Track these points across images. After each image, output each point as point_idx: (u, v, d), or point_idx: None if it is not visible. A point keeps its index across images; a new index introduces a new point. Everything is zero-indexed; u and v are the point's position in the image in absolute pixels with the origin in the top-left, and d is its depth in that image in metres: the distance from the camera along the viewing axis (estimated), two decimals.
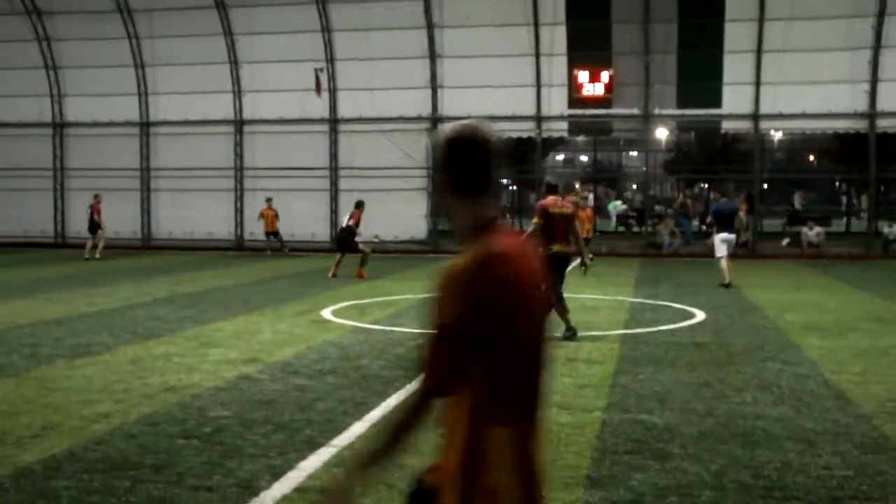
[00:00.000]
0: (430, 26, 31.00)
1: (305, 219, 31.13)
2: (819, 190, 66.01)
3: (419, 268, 24.22)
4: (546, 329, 2.88)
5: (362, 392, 8.59)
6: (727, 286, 18.78)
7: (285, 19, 31.54)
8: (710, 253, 20.97)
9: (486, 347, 2.66)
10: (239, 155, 33.19)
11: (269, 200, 30.14)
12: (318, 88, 32.02)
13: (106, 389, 8.62)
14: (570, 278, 20.92)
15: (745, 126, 31.19)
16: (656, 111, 30.81)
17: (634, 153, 72.30)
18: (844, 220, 50.85)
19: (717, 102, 30.11)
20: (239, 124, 33.10)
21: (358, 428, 7.20)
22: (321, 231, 32.00)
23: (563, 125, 32.75)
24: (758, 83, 29.56)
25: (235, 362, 10.10)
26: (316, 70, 31.87)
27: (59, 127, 34.65)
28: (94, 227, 27.79)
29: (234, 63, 32.55)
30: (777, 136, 46.42)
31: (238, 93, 32.84)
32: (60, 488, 5.69)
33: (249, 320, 13.69)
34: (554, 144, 55.28)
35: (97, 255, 27.23)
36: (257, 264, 25.63)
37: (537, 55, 30.63)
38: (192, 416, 7.55)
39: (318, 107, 32.26)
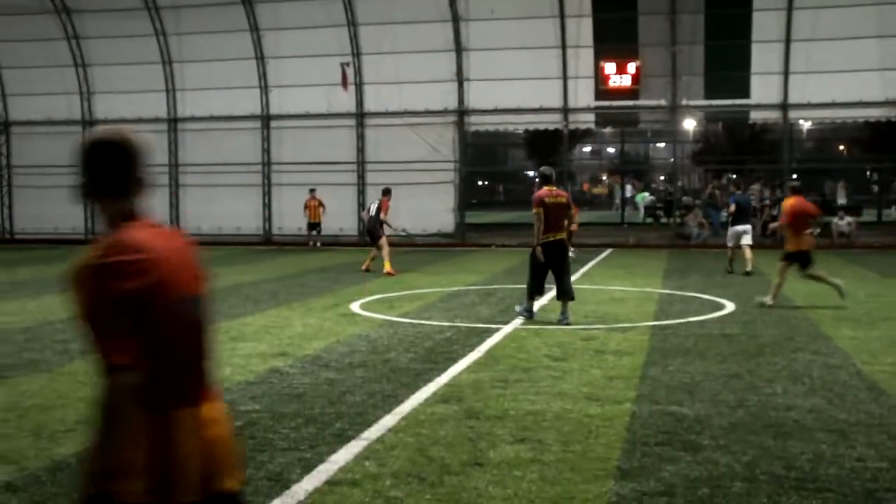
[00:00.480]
0: (456, 19, 30.96)
1: (333, 213, 31.18)
2: (849, 179, 65.34)
3: (447, 261, 24.24)
4: (205, 312, 3.01)
5: (391, 385, 8.61)
6: (749, 273, 19.30)
7: (311, 14, 31.60)
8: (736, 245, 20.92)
9: (130, 331, 2.74)
10: (266, 150, 33.32)
11: (312, 191, 30.14)
12: (344, 83, 32.09)
13: None
14: (600, 270, 20.91)
15: (773, 116, 30.94)
16: (684, 102, 30.64)
17: (661, 144, 71.92)
18: (875, 209, 50.33)
19: (745, 92, 29.90)
20: (266, 119, 33.22)
21: (388, 421, 7.22)
22: (349, 225, 32.08)
23: (590, 117, 32.62)
24: (786, 72, 29.32)
25: (265, 356, 10.15)
26: (342, 64, 31.94)
27: (88, 124, 34.87)
28: None
29: (261, 58, 32.66)
30: (806, 125, 45.98)
31: (264, 88, 32.96)
32: None
33: (278, 314, 13.75)
34: (581, 136, 55.15)
35: None
36: (285, 259, 25.73)
37: (563, 47, 30.53)
38: None
39: (344, 101, 32.32)
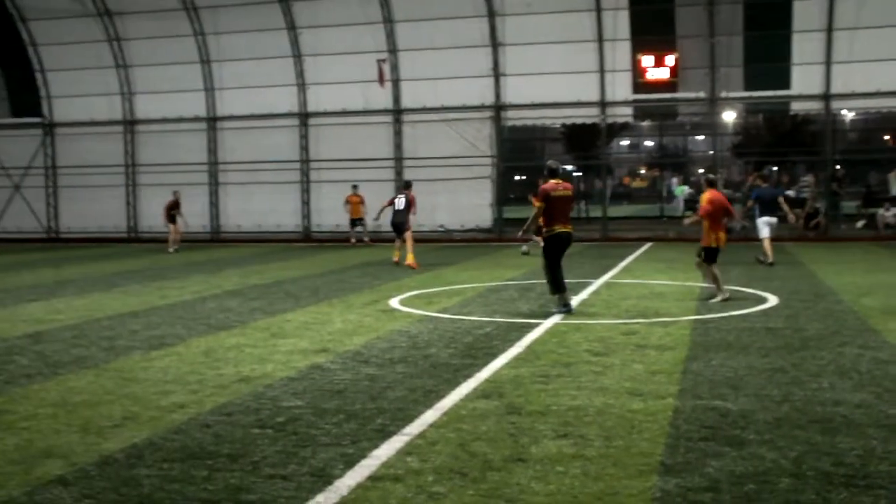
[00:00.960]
0: (492, 14, 30.92)
1: (371, 209, 31.24)
2: None
3: (485, 256, 24.22)
4: None
5: (432, 380, 8.61)
6: (770, 264, 19.81)
7: (347, 11, 31.71)
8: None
9: None
10: (304, 147, 33.48)
11: (354, 187, 30.24)
12: (381, 79, 32.16)
13: (181, 380, 8.76)
14: (640, 264, 20.80)
15: (815, 107, 30.60)
16: (723, 94, 30.39)
17: (700, 137, 71.30)
18: None
19: (785, 83, 29.61)
20: (304, 117, 33.38)
21: (429, 416, 7.22)
22: (388, 221, 32.10)
23: (628, 110, 32.45)
24: (828, 62, 28.98)
25: (306, 352, 10.20)
26: (378, 61, 32.01)
27: (130, 124, 35.27)
28: (173, 219, 28.71)
29: (298, 56, 32.82)
30: (850, 115, 45.33)
31: (302, 86, 33.11)
32: (142, 476, 5.80)
33: (319, 311, 13.81)
34: (618, 130, 54.78)
35: (171, 248, 28.09)
36: (325, 255, 25.85)
37: (600, 41, 30.39)
38: (265, 406, 7.63)
39: (381, 98, 32.40)
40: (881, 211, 31.15)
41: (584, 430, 6.80)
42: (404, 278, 18.71)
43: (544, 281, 13.51)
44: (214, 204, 34.49)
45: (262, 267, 22.22)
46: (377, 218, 24.06)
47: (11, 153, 36.51)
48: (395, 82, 32.33)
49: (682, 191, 53.96)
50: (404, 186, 22.26)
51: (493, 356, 9.80)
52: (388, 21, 31.73)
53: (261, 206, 33.63)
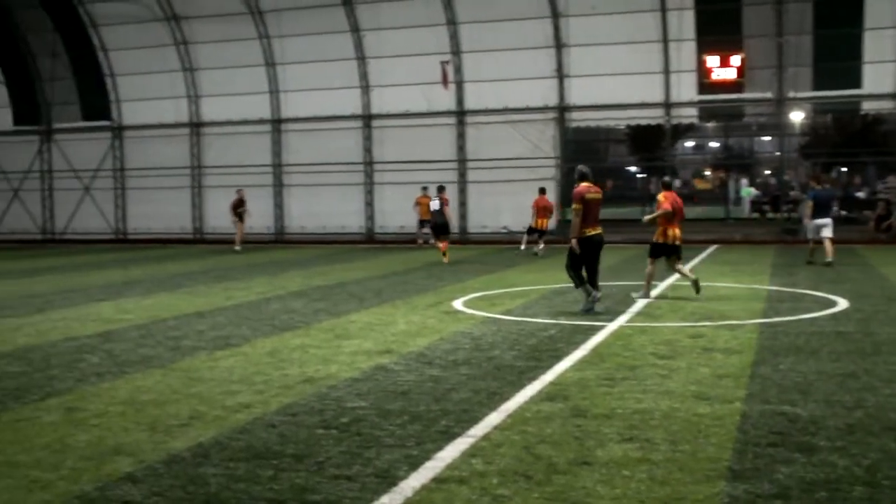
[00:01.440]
0: (556, 15, 30.80)
1: None
2: None
3: (548, 258, 24.10)
4: None
5: (496, 382, 8.57)
6: (829, 264, 20.05)
7: (410, 14, 31.82)
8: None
9: None
10: (367, 149, 33.65)
11: (424, 189, 30.25)
12: (444, 81, 32.21)
13: (246, 380, 8.84)
14: (706, 267, 20.56)
15: (887, 106, 29.99)
16: (790, 94, 29.89)
17: (767, 138, 70.26)
18: None
19: (856, 82, 29.02)
20: (367, 119, 33.56)
21: (494, 418, 7.18)
22: (452, 222, 32.23)
23: (693, 111, 32.11)
24: None
25: (370, 353, 10.23)
26: (442, 63, 32.07)
27: (196, 126, 35.79)
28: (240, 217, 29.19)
29: (361, 59, 33.01)
30: None
31: (365, 88, 33.29)
32: (209, 475, 5.86)
33: (382, 312, 13.85)
34: (683, 131, 54.28)
35: (238, 247, 28.56)
36: (388, 256, 25.95)
37: (665, 41, 30.11)
38: (329, 407, 7.66)
39: (444, 99, 32.45)
40: None
41: (649, 433, 6.72)
42: (468, 280, 18.70)
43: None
44: (278, 205, 34.84)
45: (326, 268, 22.38)
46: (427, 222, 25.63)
47: (82, 156, 37.29)
48: (459, 84, 32.36)
49: (749, 192, 53.19)
50: (439, 191, 23.94)
51: (558, 358, 9.74)
52: (452, 23, 31.78)
53: (324, 208, 33.89)
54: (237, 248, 28.70)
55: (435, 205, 23.42)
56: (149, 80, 35.65)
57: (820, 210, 21.09)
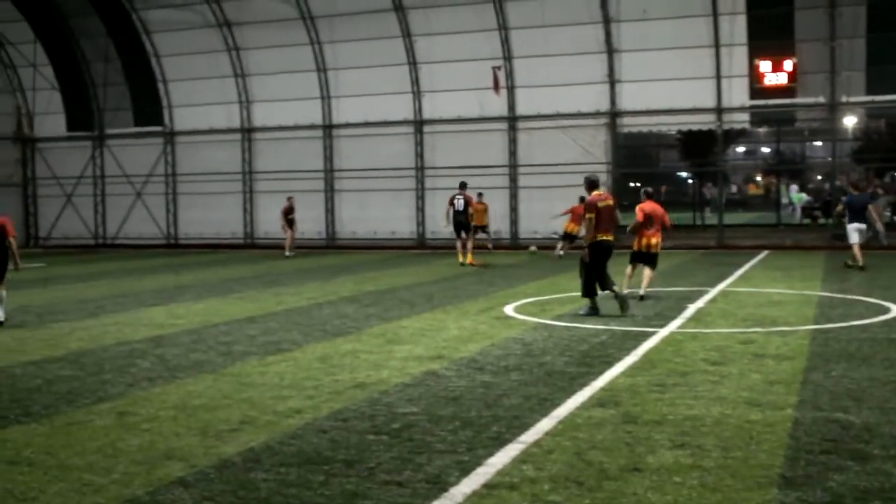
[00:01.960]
0: (607, 20, 30.65)
1: (495, 217, 31.36)
2: None
3: None
4: None
5: (547, 388, 8.54)
6: (862, 268, 20.36)
7: (462, 19, 31.84)
8: None
9: None
10: (419, 154, 33.72)
11: (480, 195, 30.17)
12: (496, 86, 32.19)
13: (297, 386, 8.88)
14: (757, 272, 20.33)
15: None
16: (843, 99, 29.45)
17: (819, 143, 69.23)
18: None
19: None
20: (418, 124, 33.63)
21: (545, 424, 7.15)
22: (503, 228, 32.26)
23: (745, 116, 31.77)
24: None
25: (422, 359, 10.24)
26: (493, 68, 32.06)
27: (247, 132, 36.11)
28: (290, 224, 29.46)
29: (413, 64, 33.09)
30: None
31: (417, 93, 33.36)
32: (259, 480, 5.89)
33: (433, 317, 13.87)
34: (735, 136, 53.65)
35: (288, 252, 28.84)
36: (440, 262, 25.98)
37: (717, 46, 29.84)
38: (380, 412, 7.68)
39: (496, 105, 32.43)
40: None
41: (701, 440, 6.65)
42: (519, 285, 18.66)
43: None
44: (330, 211, 35.02)
45: (377, 273, 22.45)
46: (446, 225, 25.46)
47: (134, 161, 37.77)
48: (510, 89, 32.32)
49: (801, 198, 52.48)
50: (460, 187, 24.36)
51: (609, 365, 9.68)
52: (503, 28, 31.74)
53: (376, 214, 34.01)
54: (288, 253, 28.96)
55: (459, 204, 24.00)
56: (201, 86, 36.05)
57: (855, 215, 21.34)
